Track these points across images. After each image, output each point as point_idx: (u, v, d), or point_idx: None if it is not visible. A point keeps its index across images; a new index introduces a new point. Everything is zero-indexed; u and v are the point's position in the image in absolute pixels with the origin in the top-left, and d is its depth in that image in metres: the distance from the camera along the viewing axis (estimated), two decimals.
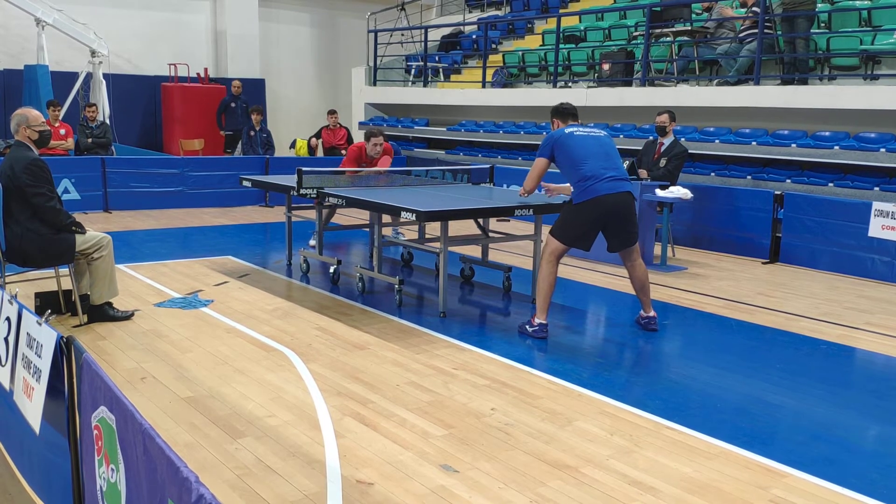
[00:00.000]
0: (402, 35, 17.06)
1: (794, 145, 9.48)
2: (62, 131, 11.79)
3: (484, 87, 13.81)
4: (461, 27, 17.18)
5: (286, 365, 4.91)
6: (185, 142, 15.25)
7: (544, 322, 5.60)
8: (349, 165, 8.41)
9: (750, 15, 10.19)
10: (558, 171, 5.79)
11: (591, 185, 5.44)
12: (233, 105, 14.62)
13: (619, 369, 5.09)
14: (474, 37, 16.36)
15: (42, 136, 5.44)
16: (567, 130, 5.65)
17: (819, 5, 10.36)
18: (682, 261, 8.70)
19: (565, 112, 5.91)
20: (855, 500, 3.38)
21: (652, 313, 5.96)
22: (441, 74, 15.69)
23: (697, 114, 10.52)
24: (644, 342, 5.76)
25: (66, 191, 10.66)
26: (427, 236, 8.39)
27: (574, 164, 5.51)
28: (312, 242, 8.46)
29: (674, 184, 8.36)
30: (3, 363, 3.11)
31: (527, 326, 5.66)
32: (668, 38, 11.29)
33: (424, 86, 15.27)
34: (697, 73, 11.16)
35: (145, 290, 6.66)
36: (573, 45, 13.26)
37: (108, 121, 13.51)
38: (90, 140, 12.00)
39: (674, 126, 8.90)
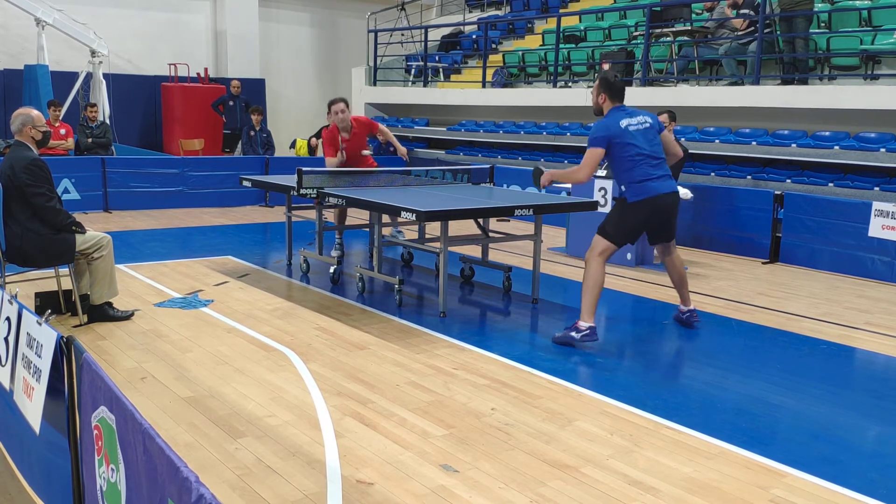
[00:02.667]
0: (402, 35, 17.06)
1: (794, 145, 9.48)
2: (62, 131, 11.80)
3: (484, 87, 13.81)
4: (461, 27, 17.18)
5: (286, 365, 4.91)
6: (185, 142, 15.25)
7: (593, 325, 5.36)
8: (328, 148, 7.94)
9: (747, 13, 10.18)
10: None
11: (646, 183, 5.38)
12: (231, 103, 14.61)
13: (619, 369, 5.09)
14: (474, 37, 16.36)
15: (45, 136, 5.47)
16: (623, 124, 5.39)
17: (819, 5, 10.36)
18: (682, 261, 8.68)
19: (617, 89, 5.52)
20: (855, 500, 3.38)
21: (692, 306, 5.97)
22: (441, 74, 15.69)
23: (697, 114, 10.52)
24: (644, 342, 5.77)
25: (66, 191, 10.66)
26: (427, 236, 8.39)
27: (630, 163, 5.38)
28: (338, 240, 8.15)
29: None
30: (4, 363, 3.12)
31: (572, 333, 5.34)
32: (668, 38, 11.29)
33: (424, 86, 15.27)
34: (697, 73, 11.16)
35: (145, 290, 6.66)
36: (573, 45, 13.26)
37: (108, 121, 13.51)
38: (90, 140, 12.00)
39: (674, 126, 8.90)
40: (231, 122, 14.56)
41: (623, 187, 5.57)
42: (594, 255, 5.45)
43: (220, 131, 14.95)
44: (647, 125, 5.50)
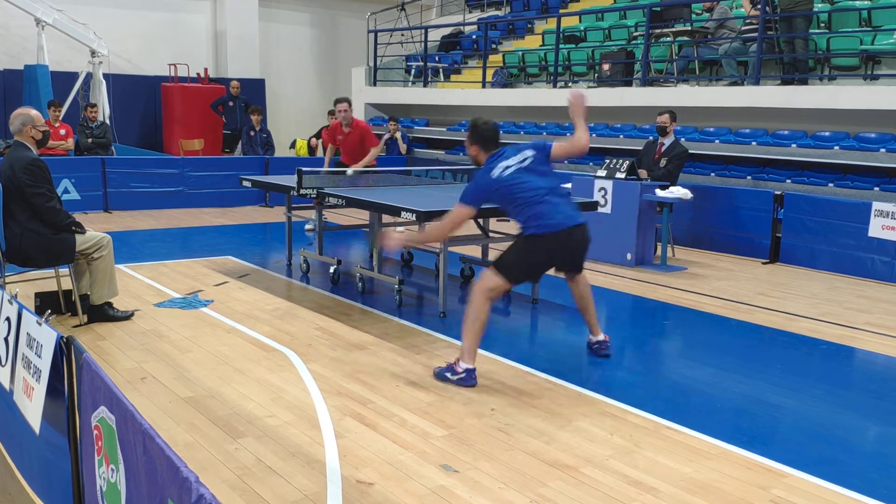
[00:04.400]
0: (402, 35, 17.06)
1: (794, 145, 9.48)
2: (62, 131, 11.79)
3: (484, 87, 13.81)
4: (461, 27, 17.18)
5: (286, 365, 4.90)
6: (185, 142, 15.25)
7: (473, 367, 4.68)
8: (327, 140, 8.97)
9: (755, 13, 10.18)
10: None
11: (546, 219, 4.70)
12: (231, 104, 14.60)
13: (619, 369, 5.09)
14: (474, 37, 16.36)
15: (44, 135, 5.47)
16: (495, 173, 4.75)
17: (819, 5, 10.36)
18: (682, 261, 8.70)
19: (487, 137, 4.92)
20: (855, 500, 3.38)
21: (601, 336, 5.26)
22: (441, 74, 15.69)
23: (697, 114, 10.52)
24: (644, 342, 5.76)
25: (66, 191, 10.66)
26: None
27: (523, 204, 4.75)
28: (309, 227, 8.64)
29: (674, 184, 8.36)
30: (4, 363, 3.11)
31: (447, 374, 4.70)
32: (668, 39, 11.29)
33: (424, 86, 15.27)
34: (697, 73, 11.16)
35: (145, 290, 6.66)
36: (573, 45, 13.26)
37: (108, 121, 13.51)
38: (90, 140, 12.00)
39: (674, 126, 8.91)
40: (231, 123, 14.56)
41: (521, 223, 4.88)
42: (482, 290, 4.70)
43: (220, 131, 14.94)
44: (530, 159, 4.83)
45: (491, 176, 4.75)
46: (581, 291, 5.15)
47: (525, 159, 4.82)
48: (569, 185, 8.82)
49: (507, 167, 4.76)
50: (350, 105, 8.92)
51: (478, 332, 4.67)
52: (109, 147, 12.31)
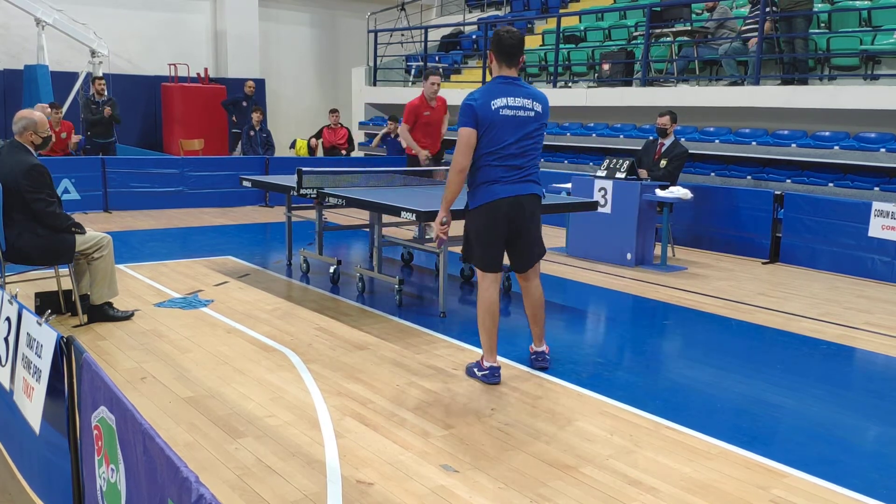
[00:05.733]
0: (402, 35, 17.06)
1: (794, 145, 9.48)
2: (63, 134, 11.78)
3: None
4: (461, 27, 17.18)
5: (286, 365, 4.90)
6: (185, 142, 15.25)
7: (496, 364, 4.70)
8: (409, 117, 8.52)
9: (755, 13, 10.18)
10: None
11: (493, 186, 4.49)
12: (244, 104, 14.54)
13: (619, 369, 5.09)
14: (474, 37, 16.36)
15: (45, 141, 5.46)
16: (495, 104, 4.42)
17: (819, 5, 10.37)
18: (682, 261, 8.70)
19: (506, 49, 4.51)
20: (855, 500, 3.38)
21: (542, 347, 4.99)
22: (441, 74, 15.68)
23: (697, 114, 10.52)
24: (644, 342, 5.76)
25: (66, 191, 10.66)
26: (427, 236, 8.38)
27: (481, 160, 4.49)
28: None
29: (674, 184, 8.36)
30: (4, 363, 3.12)
31: (475, 369, 4.76)
32: (668, 38, 11.29)
33: None
34: (697, 73, 11.16)
35: (145, 290, 6.66)
36: (573, 45, 13.26)
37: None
38: (107, 109, 11.92)
39: (675, 127, 8.91)
40: (242, 123, 14.52)
41: (468, 190, 4.63)
42: (480, 288, 4.70)
43: (221, 131, 14.91)
44: (531, 114, 4.49)
45: (491, 104, 4.42)
46: (533, 301, 4.88)
47: (527, 110, 4.50)
48: (569, 185, 8.84)
49: (506, 105, 4.45)
50: (442, 78, 8.55)
51: (488, 329, 4.66)
52: (119, 122, 12.31)
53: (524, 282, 4.87)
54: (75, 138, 11.99)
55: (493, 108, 4.42)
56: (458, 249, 7.61)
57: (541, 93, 4.67)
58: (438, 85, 8.49)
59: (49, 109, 11.61)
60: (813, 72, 9.91)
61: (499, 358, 5.02)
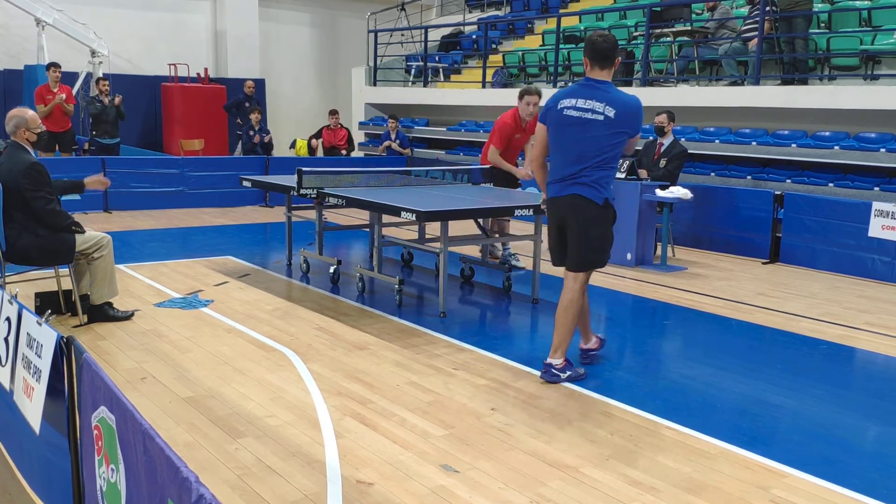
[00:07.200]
0: (402, 35, 17.06)
1: (794, 145, 9.47)
2: (62, 95, 11.72)
3: (484, 87, 13.80)
4: (461, 27, 17.18)
5: (286, 365, 4.90)
6: (185, 142, 15.24)
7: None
8: (502, 140, 7.59)
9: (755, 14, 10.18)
10: None
11: (550, 185, 4.70)
12: (247, 104, 14.52)
13: (619, 369, 5.09)
14: (474, 37, 16.36)
15: (40, 137, 5.46)
16: (563, 104, 4.51)
17: (819, 5, 10.37)
18: (682, 261, 8.70)
19: (599, 52, 4.47)
20: (855, 500, 3.38)
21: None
22: (441, 74, 15.69)
23: (697, 114, 10.52)
24: (644, 342, 5.76)
25: None
26: (427, 236, 8.39)
27: (551, 156, 4.70)
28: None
29: (674, 184, 8.36)
30: (4, 363, 3.12)
31: (559, 373, 4.71)
32: (668, 38, 11.29)
33: (424, 86, 15.27)
34: (697, 73, 11.16)
35: (145, 290, 6.66)
36: (573, 45, 13.26)
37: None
38: (118, 103, 11.93)
39: (673, 126, 8.90)
40: (246, 123, 14.48)
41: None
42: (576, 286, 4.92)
43: (221, 131, 14.88)
44: (599, 118, 4.41)
45: (558, 104, 4.53)
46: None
47: (595, 113, 4.43)
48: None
49: (573, 107, 4.47)
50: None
51: (573, 329, 4.80)
52: (123, 118, 12.31)
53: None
54: (71, 107, 11.89)
55: (559, 107, 4.56)
56: (458, 249, 7.66)
57: (625, 99, 4.50)
58: (535, 105, 7.32)
59: (50, 71, 11.63)
60: (813, 72, 9.91)
61: (498, 358, 5.03)
